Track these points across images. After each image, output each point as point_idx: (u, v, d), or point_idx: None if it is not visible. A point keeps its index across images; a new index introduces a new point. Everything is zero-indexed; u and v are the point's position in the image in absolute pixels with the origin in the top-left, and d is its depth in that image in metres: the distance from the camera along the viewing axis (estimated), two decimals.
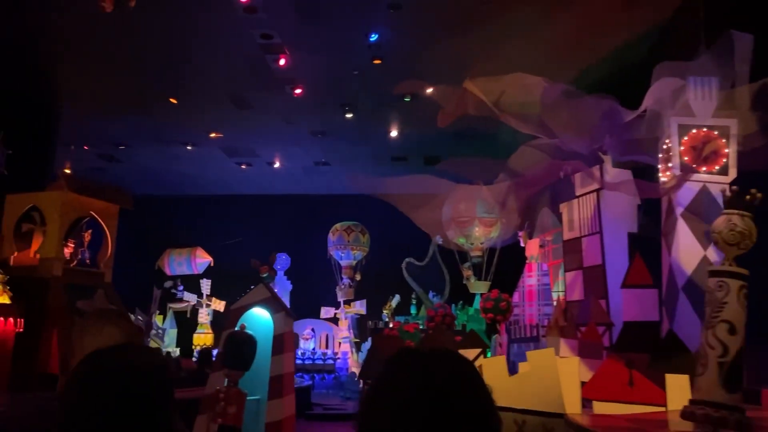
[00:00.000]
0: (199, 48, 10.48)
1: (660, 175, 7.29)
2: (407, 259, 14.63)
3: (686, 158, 6.91)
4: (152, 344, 14.19)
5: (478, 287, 13.30)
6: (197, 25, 9.81)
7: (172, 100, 12.37)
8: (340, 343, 16.02)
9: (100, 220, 10.31)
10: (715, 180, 6.80)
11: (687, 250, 6.88)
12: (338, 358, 15.34)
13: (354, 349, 15.71)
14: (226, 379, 5.69)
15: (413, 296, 15.44)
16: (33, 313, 8.68)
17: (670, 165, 7.05)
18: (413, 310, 15.43)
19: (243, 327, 5.93)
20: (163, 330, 15.67)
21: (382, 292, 15.77)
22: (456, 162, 11.10)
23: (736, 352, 3.34)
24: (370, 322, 15.15)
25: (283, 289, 16.18)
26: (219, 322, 14.79)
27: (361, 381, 9.79)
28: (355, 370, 14.73)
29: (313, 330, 16.29)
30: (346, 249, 16.82)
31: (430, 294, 14.87)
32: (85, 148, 15.23)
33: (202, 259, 17.08)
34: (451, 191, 12.28)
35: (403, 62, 10.54)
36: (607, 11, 8.77)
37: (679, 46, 7.79)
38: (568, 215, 9.57)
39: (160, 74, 11.38)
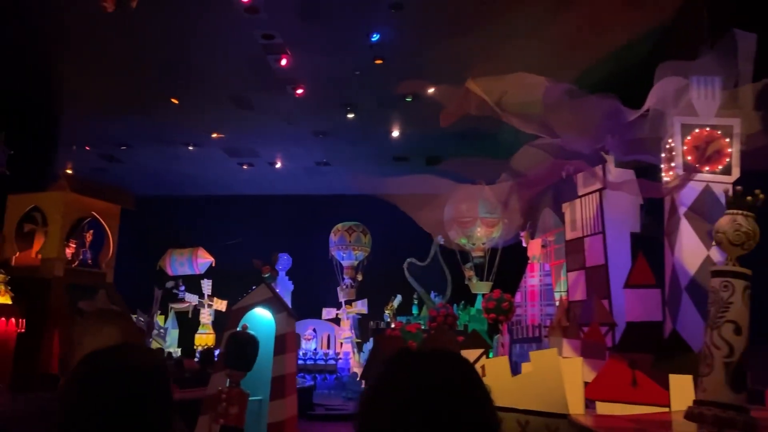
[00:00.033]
0: (201, 48, 10.47)
1: (663, 174, 7.26)
2: (409, 260, 14.62)
3: (689, 158, 6.88)
4: (154, 344, 14.19)
5: (480, 288, 13.28)
6: (198, 26, 9.80)
7: (173, 100, 12.37)
8: (341, 343, 16.01)
9: (101, 220, 10.32)
10: (718, 180, 6.77)
11: (690, 250, 6.86)
12: (340, 359, 15.33)
13: (356, 350, 15.70)
14: (228, 380, 5.68)
15: (415, 296, 15.42)
16: (34, 313, 8.68)
17: (672, 165, 7.03)
18: (415, 311, 15.42)
19: (245, 327, 5.92)
20: (165, 329, 15.67)
21: (383, 292, 15.75)
22: (458, 162, 11.08)
23: (741, 352, 3.33)
24: (372, 323, 15.14)
25: (284, 289, 16.18)
26: (221, 322, 14.77)
27: (363, 381, 9.78)
28: (357, 370, 14.72)
29: (314, 330, 16.29)
30: (347, 249, 16.81)
31: (432, 294, 14.85)
32: (87, 148, 15.23)
33: (204, 260, 17.09)
34: (452, 191, 12.26)
35: (405, 62, 10.53)
36: (609, 11, 8.74)
37: (682, 45, 7.77)
38: (570, 215, 9.55)
39: (161, 74, 11.37)
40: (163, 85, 11.81)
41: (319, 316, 16.29)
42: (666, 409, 4.87)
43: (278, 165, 16.42)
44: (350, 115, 12.84)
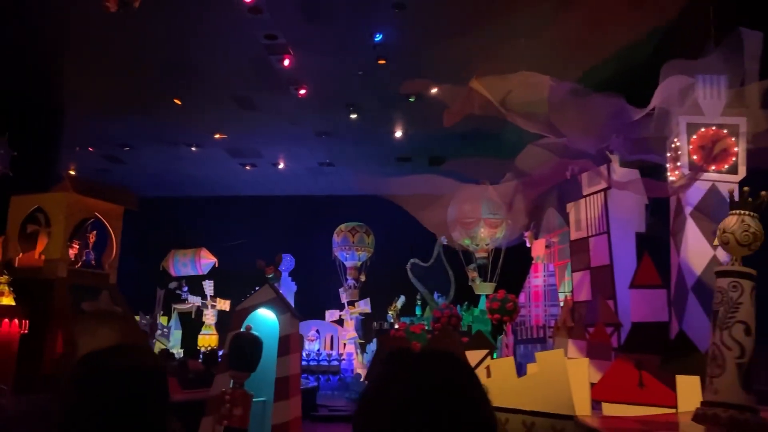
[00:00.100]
0: (203, 49, 10.46)
1: (668, 174, 7.22)
2: (412, 260, 14.58)
3: (695, 157, 6.84)
4: (158, 345, 14.19)
5: (484, 289, 13.24)
6: (201, 26, 9.79)
7: (176, 101, 12.37)
8: (345, 344, 15.98)
9: (104, 221, 10.30)
10: (724, 179, 6.73)
11: (696, 250, 6.81)
12: (343, 360, 15.30)
13: (359, 350, 15.66)
14: (232, 381, 5.66)
15: (418, 297, 15.39)
16: (38, 314, 8.66)
17: (678, 164, 6.98)
18: (418, 311, 15.38)
19: (249, 328, 5.90)
20: (168, 328, 15.67)
21: (386, 293, 15.72)
22: (461, 162, 11.05)
23: (751, 353, 3.30)
24: (375, 323, 15.10)
25: (287, 290, 16.15)
26: (224, 323, 14.76)
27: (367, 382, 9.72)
28: (360, 371, 14.69)
29: (317, 331, 16.26)
30: (350, 250, 16.79)
31: (435, 295, 14.82)
32: (90, 149, 15.24)
33: (207, 260, 17.08)
34: (456, 192, 12.23)
35: (408, 62, 10.50)
36: (612, 10, 8.70)
37: (687, 44, 7.72)
38: (575, 215, 9.51)
39: (164, 75, 11.36)
40: (165, 86, 11.81)
41: (322, 316, 16.26)
42: (673, 410, 4.83)
43: (281, 165, 16.40)
44: (353, 116, 12.82)
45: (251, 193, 18.35)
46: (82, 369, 1.41)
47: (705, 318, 6.23)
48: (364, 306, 16.01)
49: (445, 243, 14.02)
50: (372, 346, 15.10)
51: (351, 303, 16.30)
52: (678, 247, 7.15)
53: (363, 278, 16.89)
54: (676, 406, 4.80)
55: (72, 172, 14.51)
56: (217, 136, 14.34)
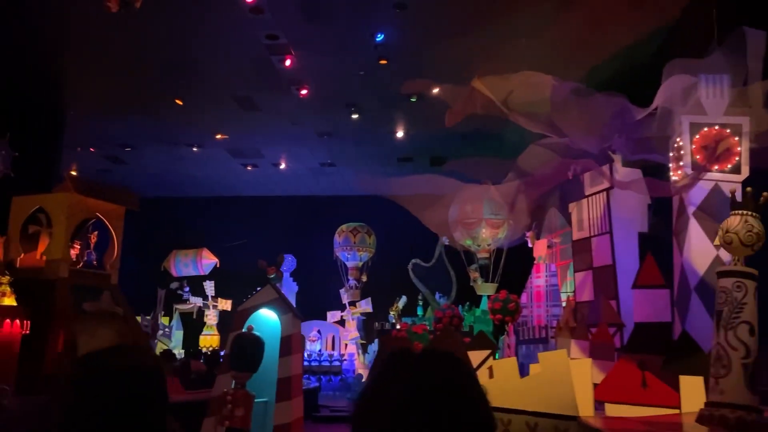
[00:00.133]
0: (205, 49, 10.46)
1: (671, 174, 7.19)
2: (413, 260, 14.56)
3: (698, 157, 6.82)
4: (160, 345, 14.19)
5: (485, 289, 13.21)
6: (202, 26, 9.78)
7: (177, 101, 12.36)
8: (346, 344, 15.96)
9: (106, 221, 10.29)
10: (727, 179, 6.70)
11: (699, 250, 6.78)
12: (345, 360, 15.28)
13: (360, 351, 15.64)
14: (234, 381, 5.64)
15: (420, 297, 15.37)
16: (39, 315, 8.65)
17: (681, 164, 6.96)
18: (420, 312, 15.36)
19: (250, 328, 5.88)
20: (170, 328, 15.67)
21: (388, 293, 15.71)
22: (463, 162, 11.03)
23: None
24: (376, 324, 15.09)
25: (289, 290, 16.14)
26: (226, 323, 14.76)
27: None
28: (362, 371, 14.67)
29: (319, 332, 16.25)
30: (352, 250, 16.78)
31: (437, 295, 14.79)
32: (91, 150, 15.24)
33: (208, 260, 17.08)
34: (458, 192, 12.21)
35: (409, 62, 10.49)
36: (614, 10, 8.68)
37: (689, 43, 7.70)
38: (577, 215, 9.49)
39: (165, 75, 11.36)
40: (167, 86, 11.81)
41: (323, 317, 16.25)
42: (676, 411, 4.81)
43: (282, 166, 16.40)
44: (354, 116, 12.81)
45: (252, 193, 18.35)
46: (80, 369, 1.42)
47: (708, 318, 6.20)
48: (366, 306, 15.99)
49: (447, 243, 14.00)
50: (373, 347, 15.08)
51: (352, 303, 16.28)
52: (681, 247, 7.12)
53: (364, 278, 16.88)
54: (679, 407, 4.78)
55: (73, 173, 14.51)
56: (218, 136, 14.34)
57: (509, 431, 4.56)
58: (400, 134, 13.87)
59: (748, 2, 7.25)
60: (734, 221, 3.66)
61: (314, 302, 16.32)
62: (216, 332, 16.25)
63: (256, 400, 5.68)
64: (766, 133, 6.62)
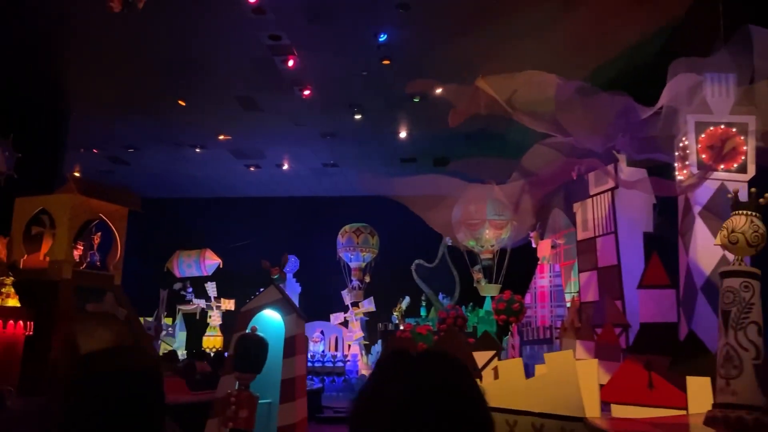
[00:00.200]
0: (207, 49, 10.45)
1: (677, 173, 7.16)
2: (417, 261, 14.54)
3: (704, 156, 6.78)
4: (164, 346, 14.18)
5: (489, 290, 13.18)
6: (205, 27, 9.77)
7: (180, 102, 12.36)
8: (349, 345, 15.94)
9: (109, 222, 10.28)
10: (733, 178, 6.67)
11: (705, 250, 6.74)
12: (348, 361, 15.26)
13: (364, 351, 15.62)
14: (238, 383, 5.62)
15: (423, 298, 15.33)
16: (42, 316, 8.63)
17: (687, 163, 6.92)
18: (423, 312, 15.33)
19: (254, 329, 5.86)
20: (173, 328, 15.67)
21: (391, 294, 15.68)
22: (467, 162, 11.00)
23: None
24: (380, 324, 15.06)
25: (291, 291, 16.12)
26: (229, 324, 14.75)
27: None
28: (365, 372, 14.64)
29: (322, 332, 16.22)
30: (355, 251, 16.75)
31: (440, 296, 14.76)
32: (94, 151, 15.25)
33: (212, 261, 17.06)
34: (461, 192, 12.19)
35: (412, 62, 10.46)
36: (618, 9, 8.65)
37: (695, 42, 7.65)
38: (582, 215, 9.45)
39: (168, 76, 11.36)
40: (169, 87, 11.81)
41: (326, 317, 16.23)
42: (683, 412, 4.77)
43: (285, 166, 16.39)
44: (357, 116, 12.79)
45: (255, 194, 18.35)
46: (78, 370, 1.43)
47: (715, 318, 6.13)
48: (368, 305, 15.96)
49: (450, 244, 13.97)
50: (377, 347, 15.06)
51: (355, 304, 16.26)
52: (687, 247, 7.08)
53: (367, 279, 16.85)
54: (686, 408, 4.74)
55: (76, 174, 14.54)
56: (221, 137, 14.33)
57: None
58: (403, 134, 13.84)
59: (754, 0, 7.21)
60: (740, 221, 3.66)
61: (317, 303, 16.29)
62: (219, 333, 16.24)
63: (260, 402, 5.65)
64: None
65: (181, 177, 17.24)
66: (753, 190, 3.75)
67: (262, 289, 6.79)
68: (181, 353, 15.00)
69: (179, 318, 16.57)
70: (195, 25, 9.74)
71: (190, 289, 16.51)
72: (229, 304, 16.05)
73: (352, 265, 17.00)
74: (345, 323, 16.14)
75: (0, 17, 9.47)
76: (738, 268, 3.63)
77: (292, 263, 16.75)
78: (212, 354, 13.14)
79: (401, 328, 12.68)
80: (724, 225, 3.82)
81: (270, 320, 6.45)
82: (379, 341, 14.93)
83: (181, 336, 16.37)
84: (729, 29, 6.86)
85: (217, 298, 16.29)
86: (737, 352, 3.08)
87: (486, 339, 6.56)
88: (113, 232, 10.35)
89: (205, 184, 17.78)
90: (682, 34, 8.68)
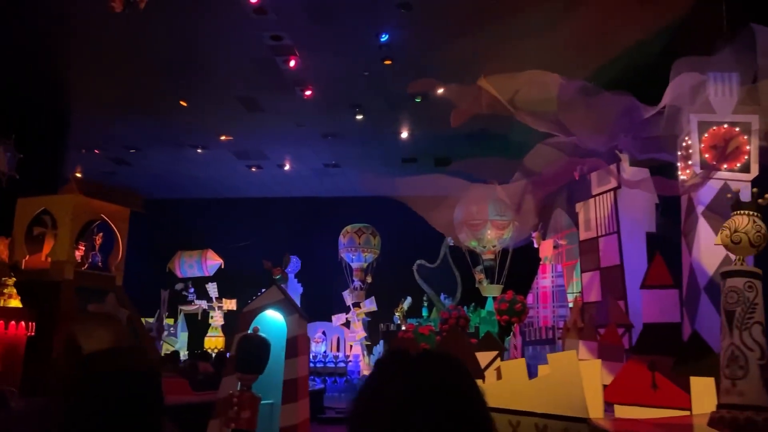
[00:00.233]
0: (209, 50, 10.44)
1: (679, 173, 7.13)
2: (418, 261, 14.52)
3: (707, 156, 6.76)
4: (166, 346, 14.18)
5: (491, 291, 13.17)
6: (207, 27, 9.77)
7: (182, 102, 12.35)
8: (351, 346, 15.92)
9: (111, 223, 10.28)
10: (736, 177, 6.64)
11: (708, 250, 6.71)
12: (350, 361, 15.25)
13: (365, 352, 15.60)
14: (240, 383, 5.60)
15: (425, 298, 15.31)
16: (44, 316, 8.64)
17: (690, 163, 6.90)
18: (425, 313, 15.31)
19: (256, 330, 5.84)
20: (174, 328, 15.68)
21: (393, 294, 15.66)
22: (468, 162, 10.98)
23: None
24: (381, 325, 15.04)
25: (293, 292, 16.10)
26: (231, 324, 14.75)
27: None
28: (367, 372, 14.60)
29: (324, 333, 16.21)
30: (357, 251, 16.74)
31: (442, 296, 14.74)
32: (96, 151, 15.26)
33: (213, 261, 17.07)
34: (463, 192, 12.16)
35: (414, 62, 10.45)
36: (621, 8, 8.63)
37: (698, 41, 7.63)
38: (584, 215, 9.43)
39: (169, 77, 11.36)
40: (171, 88, 11.80)
41: (328, 318, 16.23)
42: (687, 412, 4.75)
43: (287, 167, 16.38)
44: (359, 117, 12.78)
45: (257, 194, 18.34)
46: (78, 371, 1.44)
47: (718, 318, 6.12)
48: (370, 305, 15.95)
49: (452, 244, 13.95)
50: (378, 348, 15.04)
51: (356, 305, 16.25)
52: (690, 247, 7.06)
53: (369, 279, 16.84)
54: (690, 408, 4.71)
55: (78, 174, 14.54)
56: (222, 137, 14.32)
57: None
58: (404, 135, 13.82)
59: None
60: (742, 221, 3.65)
61: (319, 303, 16.28)
62: (221, 334, 16.23)
63: (262, 402, 5.63)
64: None
65: (183, 177, 17.23)
66: (755, 190, 3.74)
67: (263, 290, 6.77)
68: (183, 354, 15.00)
69: (181, 318, 16.58)
70: (196, 26, 9.73)
71: (192, 290, 16.51)
72: (230, 305, 16.05)
73: (354, 265, 16.99)
74: (347, 324, 16.12)
75: (0, 17, 9.47)
76: (741, 268, 3.63)
77: (294, 264, 16.73)
78: (218, 353, 13.12)
79: (403, 328, 12.67)
80: (725, 225, 3.81)
81: (272, 321, 6.43)
82: (381, 342, 14.91)
83: (183, 336, 16.37)
84: (732, 28, 6.83)
85: (219, 299, 16.29)
86: (743, 353, 3.07)
87: (488, 339, 6.54)
88: (115, 232, 10.35)
89: (206, 184, 17.78)
90: (684, 34, 8.65)
